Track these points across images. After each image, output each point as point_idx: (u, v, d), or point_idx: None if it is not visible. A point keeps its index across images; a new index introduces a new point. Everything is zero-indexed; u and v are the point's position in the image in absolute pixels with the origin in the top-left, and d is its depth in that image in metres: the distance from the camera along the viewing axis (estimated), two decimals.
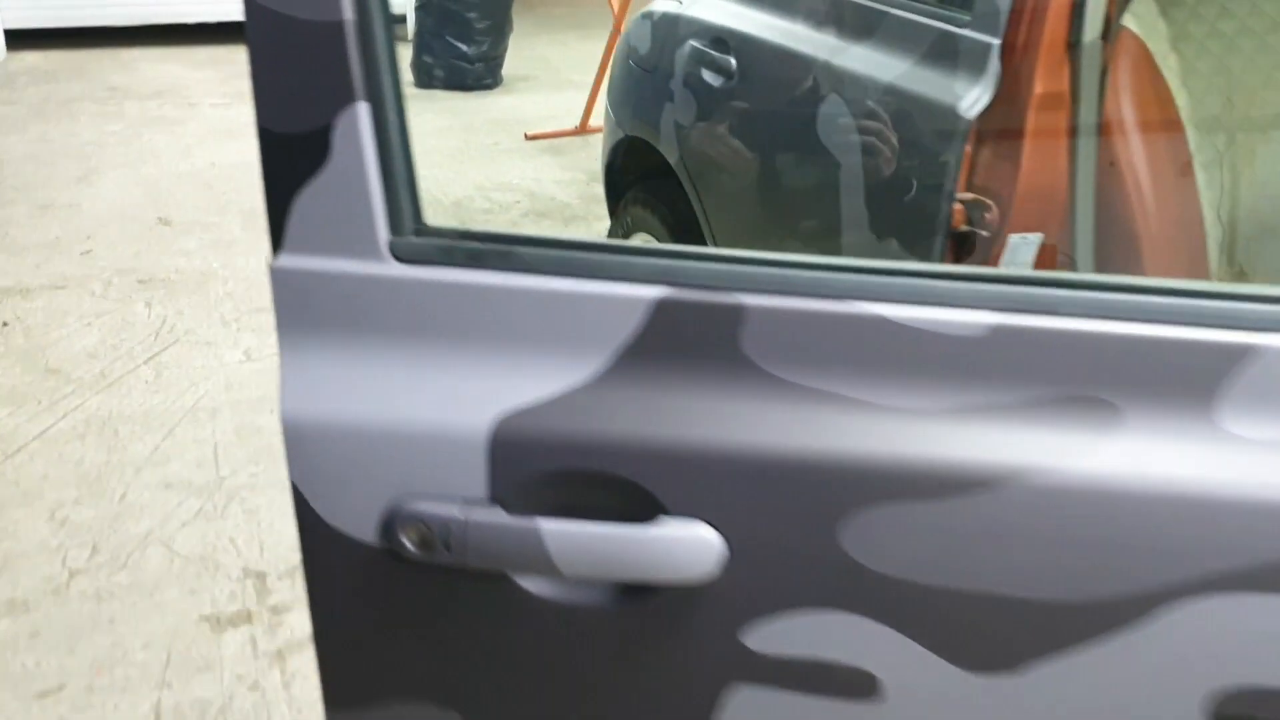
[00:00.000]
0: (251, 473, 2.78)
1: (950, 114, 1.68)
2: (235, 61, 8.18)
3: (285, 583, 2.39)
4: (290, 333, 0.82)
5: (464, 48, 7.13)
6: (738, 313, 0.80)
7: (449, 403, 0.80)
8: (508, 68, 7.52)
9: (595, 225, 4.64)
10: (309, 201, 0.80)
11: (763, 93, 2.13)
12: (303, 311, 0.81)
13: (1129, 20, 1.77)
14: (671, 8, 2.54)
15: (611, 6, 5.84)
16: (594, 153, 5.81)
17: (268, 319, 3.67)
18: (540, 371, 0.80)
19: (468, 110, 6.79)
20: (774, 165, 2.09)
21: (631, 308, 0.80)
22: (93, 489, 2.71)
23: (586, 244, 0.84)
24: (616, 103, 2.75)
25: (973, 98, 1.68)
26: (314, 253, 0.81)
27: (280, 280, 0.81)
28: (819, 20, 2.04)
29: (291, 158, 0.80)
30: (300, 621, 2.26)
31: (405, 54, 8.15)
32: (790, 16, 2.13)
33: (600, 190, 5.17)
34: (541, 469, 0.79)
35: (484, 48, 7.20)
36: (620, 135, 2.73)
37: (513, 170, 5.49)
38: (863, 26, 1.93)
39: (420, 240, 0.82)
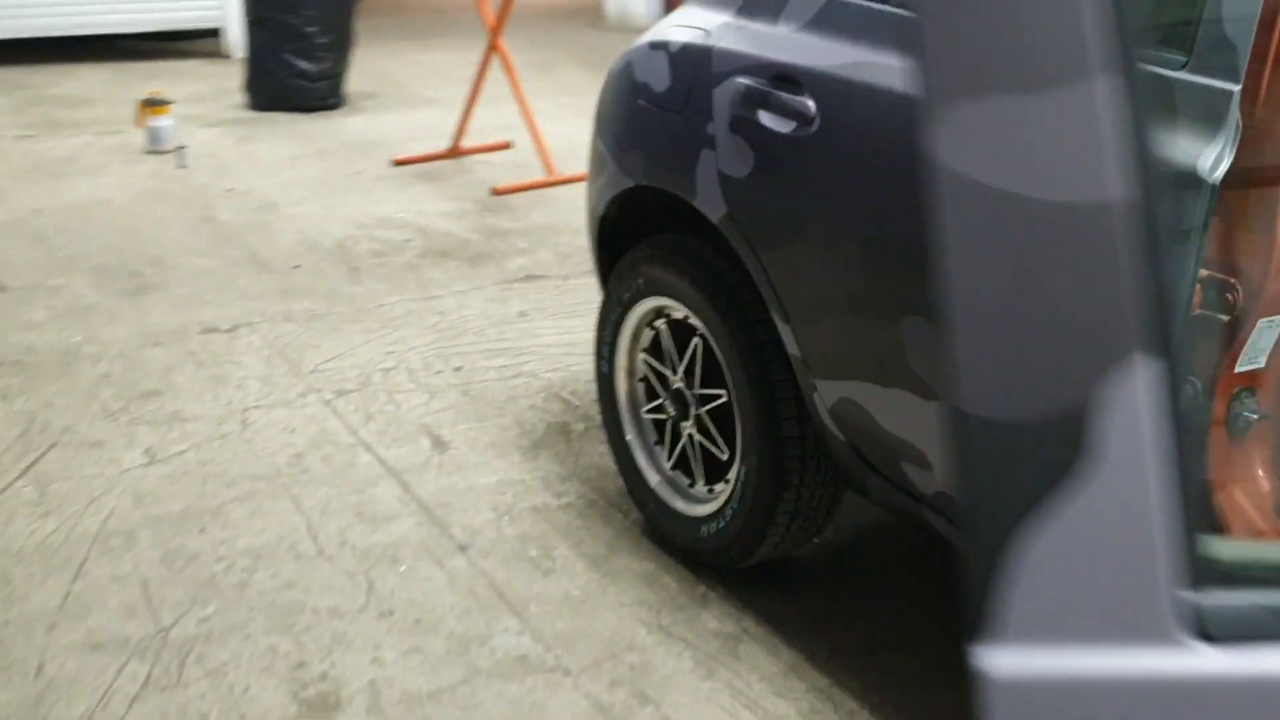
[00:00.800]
0: (201, 617, 2.25)
1: (1187, 176, 1.38)
2: (30, 85, 7.29)
3: None
4: None
5: (305, 65, 6.52)
6: None
7: None
8: (347, 84, 6.93)
9: (506, 264, 4.20)
10: (1049, 541, 0.42)
11: (864, 142, 1.79)
12: None
13: None
14: (694, 38, 2.16)
15: (485, 18, 5.37)
16: (474, 178, 5.34)
17: (162, 406, 3.10)
18: None
19: (316, 133, 6.19)
20: (889, 226, 1.75)
21: None
22: None
23: None
24: (618, 148, 2.35)
25: (1212, 157, 1.38)
26: (1053, 637, 0.42)
27: (1009, 702, 0.42)
28: None
29: (1017, 466, 0.41)
30: None
31: (232, 72, 7.42)
32: (895, 52, 1.79)
33: (502, 224, 4.74)
34: None
35: (326, 64, 6.61)
36: (627, 184, 2.33)
37: (389, 202, 4.98)
38: None
39: (1242, 602, 0.44)
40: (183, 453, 2.86)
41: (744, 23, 2.09)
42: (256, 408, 3.10)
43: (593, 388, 3.21)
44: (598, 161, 2.47)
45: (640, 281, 2.36)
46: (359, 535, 2.53)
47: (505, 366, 3.36)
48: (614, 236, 2.53)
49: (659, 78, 2.23)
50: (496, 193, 5.08)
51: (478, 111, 5.61)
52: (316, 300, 3.85)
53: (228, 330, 3.60)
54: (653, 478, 2.48)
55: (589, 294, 3.92)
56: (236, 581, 2.36)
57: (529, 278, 4.08)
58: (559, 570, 2.40)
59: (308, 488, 2.72)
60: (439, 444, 2.92)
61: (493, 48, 5.32)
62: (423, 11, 10.99)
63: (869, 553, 2.47)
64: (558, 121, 6.20)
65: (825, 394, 1.97)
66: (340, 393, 3.19)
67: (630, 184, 2.32)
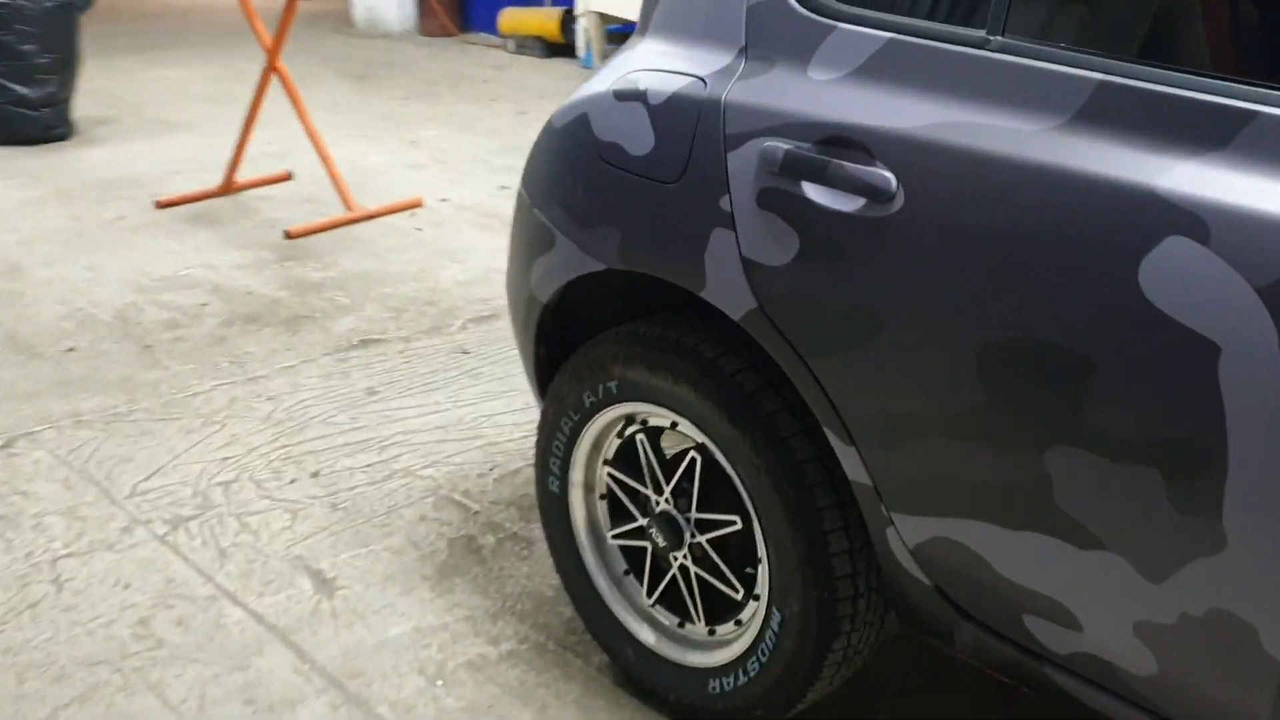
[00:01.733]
0: None
1: None
2: None
3: None
4: None
5: (23, 90, 5.59)
6: None
7: None
8: (75, 110, 6.00)
9: (331, 327, 3.60)
10: None
11: (976, 224, 1.40)
12: None
13: None
14: (686, 88, 1.72)
15: (260, 35, 4.67)
16: (259, 219, 4.66)
17: None
18: None
19: (49, 171, 5.28)
20: (1023, 331, 1.38)
21: None
22: None
23: None
24: (576, 223, 1.88)
25: None
26: None
27: None
28: (1094, 120, 1.34)
29: None
30: None
31: None
32: (997, 108, 1.41)
33: (310, 274, 4.08)
34: None
35: (50, 89, 5.70)
36: (592, 268, 1.86)
37: (167, 256, 4.23)
38: (1201, 133, 1.26)
39: None
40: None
41: (755, 69, 1.66)
42: (69, 556, 2.42)
43: (487, 484, 2.72)
44: (537, 238, 1.98)
45: (612, 385, 1.89)
46: None
47: (373, 465, 2.80)
48: (563, 331, 2.06)
49: (636, 137, 1.77)
50: (291, 236, 4.42)
51: (233, 138, 4.92)
52: (110, 394, 3.14)
53: (1, 446, 2.85)
54: (629, 619, 2.03)
55: (441, 359, 3.39)
56: None
57: (365, 343, 3.50)
58: None
59: (170, 668, 2.09)
60: (323, 583, 2.35)
61: (271, 69, 4.63)
62: (139, 20, 9.88)
63: (893, 675, 2.11)
64: (333, 144, 5.55)
65: (908, 531, 1.58)
66: (176, 522, 2.54)
67: (598, 267, 1.85)
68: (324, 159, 4.64)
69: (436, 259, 4.24)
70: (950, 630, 1.64)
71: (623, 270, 1.82)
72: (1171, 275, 1.25)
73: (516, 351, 3.47)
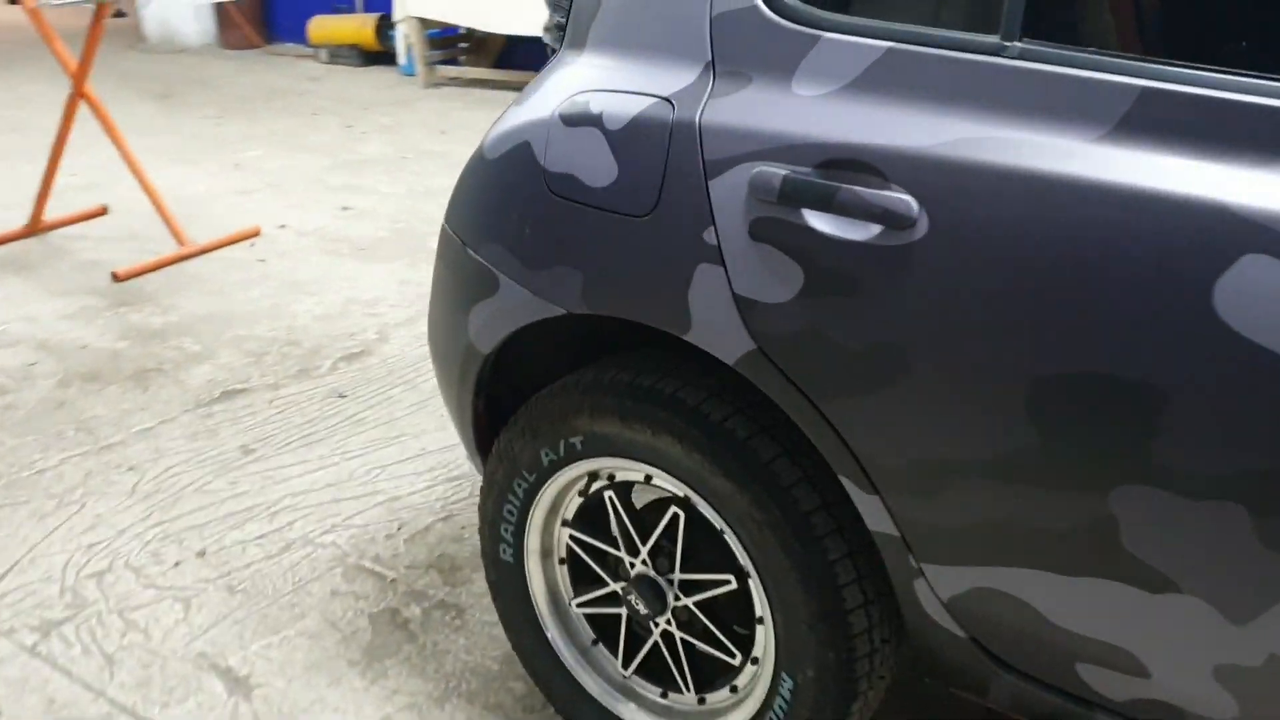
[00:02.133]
0: None
1: None
2: None
3: None
4: None
5: None
6: None
7: None
8: None
9: (186, 379, 3.25)
10: None
11: (1013, 249, 1.28)
12: None
13: None
14: (650, 110, 1.54)
15: (62, 58, 4.21)
16: (77, 260, 4.24)
17: None
18: None
19: None
20: (1079, 363, 1.26)
21: None
22: None
23: None
24: (526, 264, 1.67)
25: None
26: None
27: None
28: (1139, 131, 1.23)
29: None
30: None
31: None
32: (1021, 122, 1.29)
33: (149, 321, 3.70)
34: None
35: None
36: (550, 313, 1.65)
37: None
38: (1263, 141, 1.17)
39: None
40: None
41: (729, 86, 1.49)
42: None
43: (398, 545, 2.48)
44: (475, 282, 1.76)
45: (575, 440, 1.70)
46: None
47: (266, 536, 2.51)
48: (508, 380, 1.85)
49: (595, 167, 1.58)
50: (119, 278, 4.01)
51: (26, 170, 4.46)
52: None
53: None
54: (604, 694, 1.85)
55: (316, 406, 3.11)
56: None
57: (227, 394, 3.17)
58: None
59: None
60: (236, 683, 2.07)
61: (79, 95, 4.19)
62: None
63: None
64: (149, 172, 5.12)
65: (942, 583, 1.45)
66: (46, 628, 2.21)
67: (555, 312, 1.65)
68: (147, 190, 4.24)
69: (287, 293, 3.92)
70: (986, 682, 1.52)
71: (588, 314, 1.63)
72: (1253, 296, 1.15)
73: (397, 391, 3.25)
